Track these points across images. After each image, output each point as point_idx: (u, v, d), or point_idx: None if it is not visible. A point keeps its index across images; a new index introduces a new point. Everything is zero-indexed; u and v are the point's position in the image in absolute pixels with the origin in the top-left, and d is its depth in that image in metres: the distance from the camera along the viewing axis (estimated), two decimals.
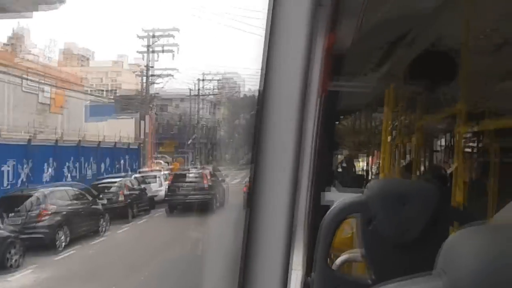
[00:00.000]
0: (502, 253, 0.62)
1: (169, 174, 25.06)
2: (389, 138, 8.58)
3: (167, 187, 22.11)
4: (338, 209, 1.64)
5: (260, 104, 0.83)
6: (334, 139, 4.33)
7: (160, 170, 27.75)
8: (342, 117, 7.79)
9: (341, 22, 2.33)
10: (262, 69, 0.84)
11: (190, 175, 22.39)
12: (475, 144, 7.18)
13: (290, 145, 0.84)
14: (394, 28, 2.83)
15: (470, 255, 0.64)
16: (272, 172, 0.84)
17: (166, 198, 21.27)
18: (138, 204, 20.62)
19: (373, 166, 10.55)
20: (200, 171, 23.29)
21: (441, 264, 0.67)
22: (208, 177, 21.71)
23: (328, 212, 1.67)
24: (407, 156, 8.10)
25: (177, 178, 22.04)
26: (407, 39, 3.29)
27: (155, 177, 24.63)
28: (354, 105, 5.60)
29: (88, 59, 50.44)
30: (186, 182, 21.29)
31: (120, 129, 29.66)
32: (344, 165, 10.42)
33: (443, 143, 10.30)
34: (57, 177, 20.80)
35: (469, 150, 7.40)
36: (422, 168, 9.15)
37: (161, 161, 35.66)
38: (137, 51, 35.48)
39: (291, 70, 0.84)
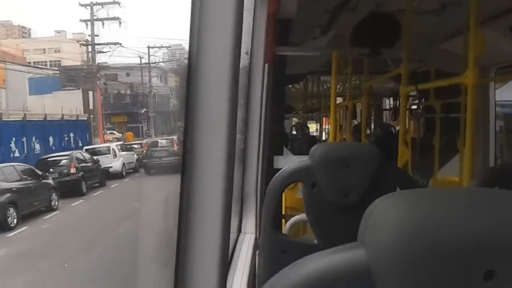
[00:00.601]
0: (423, 220, 0.59)
1: (124, 145, 25.95)
2: (339, 100, 8.75)
3: (136, 155, 24.91)
4: (282, 175, 1.66)
5: (191, 72, 0.81)
6: (283, 104, 4.36)
7: (113, 142, 27.26)
8: (293, 81, 7.82)
9: None
10: (192, 36, 0.81)
11: (163, 141, 25.72)
12: (421, 102, 7.43)
13: (223, 112, 0.82)
14: None
15: (390, 223, 0.60)
16: (205, 140, 0.82)
17: (144, 161, 23.43)
18: (92, 177, 20.19)
19: (326, 128, 10.77)
20: (171, 137, 26.72)
21: (362, 233, 0.64)
22: (177, 143, 24.02)
23: (273, 178, 1.69)
24: (358, 116, 8.31)
25: (151, 145, 25.34)
26: (352, 2, 3.31)
27: (108, 148, 24.11)
28: (306, 69, 5.62)
29: (29, 30, 47.79)
30: (159, 147, 24.38)
31: (67, 102, 28.61)
32: (298, 128, 10.56)
33: (391, 102, 10.60)
34: (3, 154, 19.95)
35: (415, 108, 7.69)
36: (372, 128, 9.44)
37: (114, 131, 34.86)
38: (81, 20, 33.86)
39: (222, 33, 0.81)
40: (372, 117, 9.53)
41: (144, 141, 29.53)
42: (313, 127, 14.09)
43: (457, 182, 4.05)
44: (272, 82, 2.98)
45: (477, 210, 0.59)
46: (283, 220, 3.10)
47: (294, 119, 12.07)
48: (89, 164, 20.76)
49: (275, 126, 3.71)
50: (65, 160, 19.76)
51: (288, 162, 2.90)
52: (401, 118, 3.29)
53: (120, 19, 33.50)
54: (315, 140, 9.24)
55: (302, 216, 2.15)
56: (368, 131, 9.31)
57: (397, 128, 7.38)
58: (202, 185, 0.82)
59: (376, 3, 3.70)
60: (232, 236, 2.41)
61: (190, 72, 0.80)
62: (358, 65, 5.08)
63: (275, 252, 1.61)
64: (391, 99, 10.17)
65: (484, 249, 0.56)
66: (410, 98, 7.04)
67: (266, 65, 2.58)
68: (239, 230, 2.44)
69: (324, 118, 12.06)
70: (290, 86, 9.79)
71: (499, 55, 4.90)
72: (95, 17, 33.43)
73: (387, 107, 11.09)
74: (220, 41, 0.80)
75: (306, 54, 3.88)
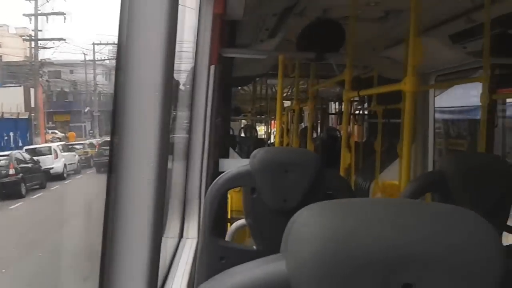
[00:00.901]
0: (342, 233, 0.57)
1: (66, 145, 24.86)
2: (287, 104, 8.85)
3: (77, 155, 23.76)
4: (221, 180, 1.64)
5: (119, 69, 0.77)
6: (230, 106, 4.35)
7: (55, 141, 26.28)
8: (241, 84, 7.82)
9: None
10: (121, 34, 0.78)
11: None
12: (365, 107, 7.65)
13: (153, 112, 0.78)
14: None
15: (309, 234, 0.59)
16: (132, 141, 0.78)
17: (95, 160, 22.97)
18: (32, 178, 19.32)
19: (274, 131, 10.83)
20: None
21: (284, 243, 0.63)
22: None
23: (213, 183, 1.67)
24: (305, 120, 8.43)
25: (103, 144, 24.54)
26: (299, 7, 3.34)
27: (49, 149, 23.16)
28: (254, 72, 5.63)
29: None
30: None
31: (7, 99, 27.25)
32: (247, 131, 10.59)
33: (338, 106, 10.84)
34: None
35: (361, 112, 7.90)
36: (319, 131, 9.61)
37: (56, 131, 33.57)
38: (24, 14, 32.38)
39: (152, 29, 0.77)
40: (319, 121, 9.70)
41: (95, 140, 28.65)
42: (262, 130, 14.20)
43: (397, 185, 4.18)
44: (218, 84, 2.96)
45: (397, 223, 0.59)
46: (228, 224, 3.08)
47: (243, 121, 12.09)
48: (29, 165, 19.85)
49: (221, 128, 3.68)
50: (3, 161, 18.79)
51: (233, 165, 2.88)
52: (344, 122, 3.36)
53: (65, 14, 32.38)
54: (262, 142, 9.30)
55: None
56: (315, 135, 9.49)
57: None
58: (129, 189, 0.78)
59: (323, 9, 3.77)
60: (174, 241, 2.36)
61: (118, 70, 0.76)
62: (305, 69, 5.16)
63: (213, 259, 1.58)
64: (337, 103, 10.41)
65: (402, 262, 0.56)
66: (355, 103, 7.23)
67: (212, 66, 2.56)
68: (181, 235, 2.40)
69: (272, 121, 12.18)
70: (239, 88, 9.81)
71: (439, 63, 5.13)
72: (39, 11, 32.11)
73: (334, 111, 11.34)
74: (150, 38, 0.77)
75: (253, 56, 3.89)
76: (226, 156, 4.04)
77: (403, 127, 2.59)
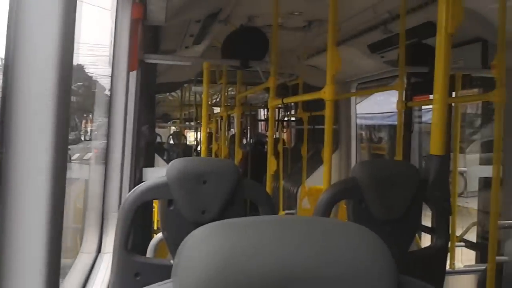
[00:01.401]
0: (229, 256, 0.55)
1: None
2: (217, 110, 8.83)
3: None
4: (136, 192, 1.58)
5: (7, 71, 0.71)
6: (154, 113, 4.25)
7: None
8: (168, 90, 7.71)
9: None
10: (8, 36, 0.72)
11: None
12: (292, 114, 7.81)
13: (46, 120, 0.73)
14: (206, 3, 2.84)
15: (195, 259, 0.56)
16: (22, 149, 0.72)
17: None
18: None
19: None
20: None
21: (174, 268, 0.59)
22: None
23: (127, 195, 1.61)
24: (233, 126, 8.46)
25: None
26: (223, 14, 3.35)
27: None
28: (180, 79, 5.57)
29: None
30: None
31: None
32: (175, 138, 10.43)
33: (266, 113, 10.96)
34: None
35: (289, 119, 8.05)
36: (248, 137, 9.67)
37: None
38: None
39: (43, 28, 0.72)
40: (249, 127, 9.77)
41: None
42: (193, 136, 14.02)
43: (321, 190, 4.29)
44: (140, 90, 2.88)
45: (287, 243, 0.58)
46: (154, 236, 3.00)
47: (173, 128, 11.91)
48: None
49: (146, 135, 3.59)
50: None
51: (157, 174, 2.81)
52: (270, 129, 3.39)
53: None
54: (191, 149, 9.20)
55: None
56: (244, 141, 9.54)
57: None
58: (18, 208, 0.72)
59: (247, 17, 3.80)
60: (90, 256, 2.25)
61: (6, 72, 0.70)
62: (233, 76, 5.17)
63: (127, 275, 1.52)
64: (266, 110, 10.54)
65: (292, 284, 0.55)
66: (284, 110, 7.36)
67: (133, 72, 2.49)
68: (99, 250, 2.30)
69: (202, 128, 12.03)
70: (168, 94, 9.66)
71: (359, 71, 5.35)
72: None
73: (263, 117, 11.47)
74: (41, 39, 0.72)
75: (177, 63, 3.83)
76: (152, 164, 3.94)
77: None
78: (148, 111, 3.58)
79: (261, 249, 0.56)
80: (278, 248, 0.56)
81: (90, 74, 3.21)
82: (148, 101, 3.47)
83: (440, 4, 1.62)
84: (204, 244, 0.58)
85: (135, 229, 3.07)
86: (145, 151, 3.65)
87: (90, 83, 3.28)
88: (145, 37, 2.99)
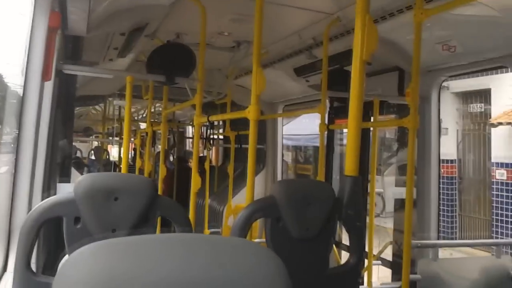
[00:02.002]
0: (112, 276, 0.53)
1: None
2: (143, 126, 8.63)
3: None
4: (39, 209, 1.49)
5: None
6: (72, 126, 4.07)
7: None
8: (90, 103, 7.44)
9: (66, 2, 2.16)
10: None
11: None
12: (220, 132, 7.81)
13: None
14: (131, 16, 2.79)
15: (73, 280, 0.54)
16: None
17: None
18: None
19: (129, 153, 10.45)
20: None
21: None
22: None
23: (29, 212, 1.51)
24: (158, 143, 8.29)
25: None
26: (149, 29, 3.29)
27: None
28: (103, 92, 5.40)
29: None
30: None
31: None
32: (97, 153, 10.04)
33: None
34: None
35: (217, 137, 8.04)
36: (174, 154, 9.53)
37: None
38: None
39: None
40: (176, 144, 9.63)
41: None
42: (116, 152, 13.58)
43: None
44: (57, 101, 2.75)
45: (171, 261, 0.56)
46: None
47: (95, 143, 11.47)
48: None
49: (62, 150, 3.41)
50: None
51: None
52: (194, 147, 3.36)
53: None
54: (114, 165, 8.89)
55: None
56: (172, 159, 9.38)
57: (201, 155, 7.59)
58: None
59: (175, 33, 3.78)
60: None
61: None
62: (160, 92, 5.09)
63: None
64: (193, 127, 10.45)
65: None
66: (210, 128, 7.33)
67: (48, 82, 2.36)
68: (4, 269, 2.12)
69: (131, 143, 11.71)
70: (91, 108, 9.31)
71: (285, 93, 5.48)
72: None
73: (191, 135, 11.37)
74: None
75: (98, 75, 3.71)
76: (68, 180, 3.75)
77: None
78: (66, 123, 3.42)
79: (143, 271, 0.53)
80: (163, 268, 0.54)
81: (8, 84, 3.03)
82: (66, 113, 3.31)
83: (356, 33, 1.70)
84: (81, 265, 0.55)
85: (46, 248, 2.89)
86: (61, 166, 3.47)
87: (6, 93, 3.09)
88: (65, 47, 2.87)
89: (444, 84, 3.82)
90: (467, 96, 10.38)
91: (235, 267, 0.55)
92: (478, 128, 10.25)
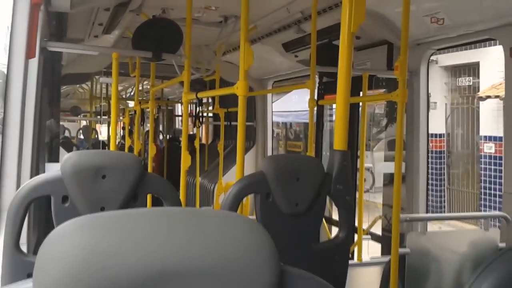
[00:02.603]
0: (93, 252, 0.52)
1: None
2: (131, 104, 8.55)
3: None
4: (26, 188, 1.46)
5: None
6: (59, 105, 4.02)
7: None
8: (76, 81, 7.33)
9: None
10: None
11: None
12: (209, 110, 7.77)
13: None
14: None
15: (56, 256, 0.52)
16: None
17: None
18: None
19: (119, 132, 10.37)
20: None
21: (35, 267, 0.55)
22: None
23: (16, 192, 1.49)
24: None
25: None
26: (134, 4, 3.22)
27: None
28: (89, 69, 5.31)
29: None
30: None
31: None
32: (85, 132, 9.95)
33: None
34: None
35: (206, 115, 8.00)
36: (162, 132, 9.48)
37: None
38: None
39: None
40: (165, 123, 9.58)
41: None
42: (105, 131, 13.48)
43: None
44: (42, 80, 2.70)
45: (158, 236, 0.54)
46: None
47: (83, 122, 11.35)
48: None
49: (49, 129, 3.37)
50: None
51: None
52: (184, 124, 3.33)
53: None
54: (103, 145, 8.83)
55: None
56: (161, 137, 9.33)
57: (190, 133, 7.55)
58: None
59: (161, 8, 3.71)
60: None
61: None
62: (148, 70, 5.03)
63: (19, 276, 1.40)
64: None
65: (164, 279, 0.52)
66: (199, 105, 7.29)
67: (32, 60, 2.31)
68: None
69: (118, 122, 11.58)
70: (78, 86, 9.18)
71: (275, 69, 5.44)
72: None
73: (180, 113, 11.29)
74: None
75: (83, 52, 3.64)
76: (57, 159, 3.71)
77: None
78: (53, 102, 3.37)
79: (129, 245, 0.52)
80: (149, 242, 0.53)
81: None
82: (52, 92, 3.26)
83: (344, 4, 1.67)
84: (65, 240, 0.54)
85: (38, 228, 2.88)
86: (49, 146, 3.43)
87: None
88: (49, 24, 2.80)
89: (433, 58, 3.81)
90: (455, 70, 10.39)
91: (221, 239, 0.54)
92: (467, 102, 10.30)
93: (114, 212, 0.56)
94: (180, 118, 11.83)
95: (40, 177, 1.52)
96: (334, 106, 6.56)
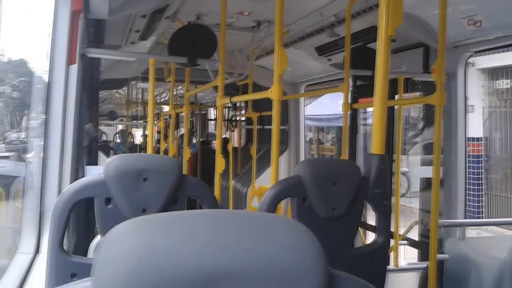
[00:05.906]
0: (150, 252, 0.53)
1: None
2: (165, 109, 8.68)
3: None
4: (71, 190, 1.51)
5: None
6: (97, 109, 4.12)
7: None
8: (113, 87, 7.50)
9: None
10: None
11: None
12: (242, 114, 7.81)
13: None
14: None
15: (115, 255, 0.54)
16: None
17: None
18: None
19: (154, 136, 10.55)
20: None
21: (93, 266, 0.56)
22: None
23: (60, 194, 1.54)
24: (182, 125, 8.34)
25: None
26: (170, 10, 3.28)
27: None
28: (126, 75, 5.43)
29: None
30: None
31: None
32: (122, 136, 10.17)
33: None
34: None
35: (240, 119, 8.05)
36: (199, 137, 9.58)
37: None
38: None
39: None
40: (198, 127, 9.68)
41: None
42: (140, 135, 13.75)
43: None
44: (82, 85, 2.78)
45: (213, 238, 0.56)
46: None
47: (120, 126, 11.61)
48: None
49: (88, 133, 3.46)
50: None
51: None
52: (218, 128, 3.36)
53: None
54: (140, 148, 9.00)
55: None
56: (194, 141, 9.44)
57: (223, 137, 7.60)
58: None
59: (196, 14, 3.76)
60: (28, 257, 2.15)
61: None
62: (182, 75, 5.11)
63: (63, 276, 1.45)
64: (216, 109, 10.47)
65: (217, 280, 0.53)
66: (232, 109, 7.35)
67: (73, 66, 2.38)
68: (37, 251, 2.19)
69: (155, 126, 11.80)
70: (115, 91, 9.41)
71: (307, 73, 5.42)
72: None
73: (213, 117, 11.40)
74: None
75: (121, 58, 3.73)
76: (96, 162, 3.81)
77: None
78: (91, 107, 3.46)
79: (183, 245, 0.54)
80: (202, 243, 0.54)
81: (32, 69, 3.08)
82: (91, 97, 3.35)
83: (381, 7, 1.66)
84: (122, 241, 0.55)
85: (77, 229, 2.97)
86: (88, 149, 3.52)
87: (32, 78, 3.14)
88: (87, 31, 2.89)
89: (469, 60, 3.71)
90: (492, 73, 10.10)
91: (270, 241, 0.55)
92: (505, 105, 9.99)
93: (164, 214, 0.58)
94: (212, 122, 11.93)
95: (84, 180, 1.57)
96: (368, 109, 6.48)
